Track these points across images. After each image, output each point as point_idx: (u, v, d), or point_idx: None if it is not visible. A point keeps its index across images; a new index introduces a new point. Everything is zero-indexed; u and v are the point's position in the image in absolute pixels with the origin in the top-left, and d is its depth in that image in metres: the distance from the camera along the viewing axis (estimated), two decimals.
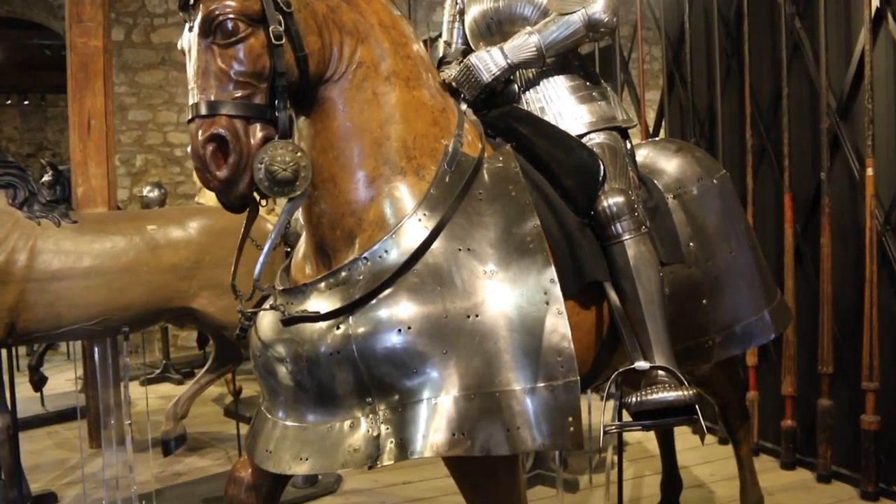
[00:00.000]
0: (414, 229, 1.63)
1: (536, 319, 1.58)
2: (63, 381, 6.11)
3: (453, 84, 2.03)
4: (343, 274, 1.63)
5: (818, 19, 3.61)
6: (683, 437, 4.50)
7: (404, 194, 1.68)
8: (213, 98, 1.53)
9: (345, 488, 3.97)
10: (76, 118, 4.51)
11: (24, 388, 5.41)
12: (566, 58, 2.16)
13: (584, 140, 2.07)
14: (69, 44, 4.47)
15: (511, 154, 1.83)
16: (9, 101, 13.25)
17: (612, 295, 1.89)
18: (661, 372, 1.86)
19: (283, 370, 1.67)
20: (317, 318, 1.61)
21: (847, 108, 3.57)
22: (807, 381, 3.86)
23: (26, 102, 13.33)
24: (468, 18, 2.24)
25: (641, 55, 4.92)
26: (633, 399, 1.82)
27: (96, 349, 3.86)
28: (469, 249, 1.63)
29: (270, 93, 1.57)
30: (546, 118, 2.09)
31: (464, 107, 1.99)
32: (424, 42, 2.08)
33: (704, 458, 4.15)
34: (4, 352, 3.63)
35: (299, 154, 1.55)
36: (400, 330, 1.54)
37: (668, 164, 2.41)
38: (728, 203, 2.44)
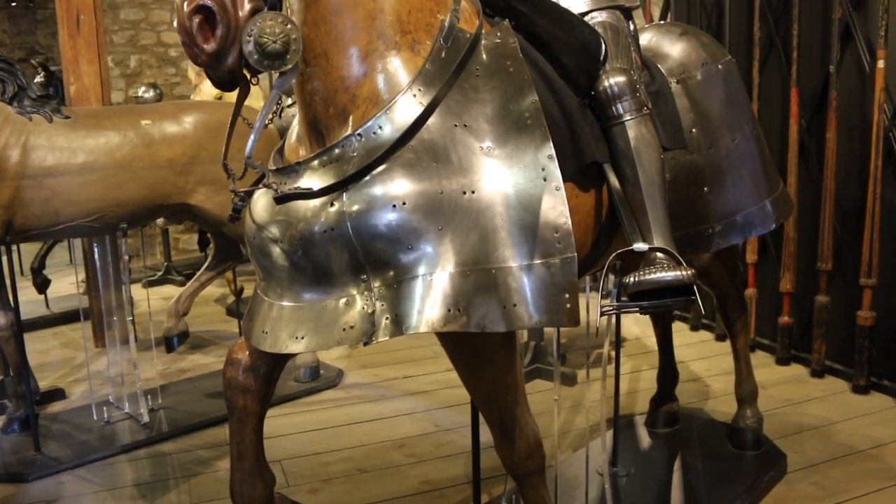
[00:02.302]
0: (409, 105, 1.58)
1: (534, 196, 1.55)
2: (67, 284, 6.15)
3: None
4: (336, 151, 1.59)
5: None
6: (681, 333, 4.58)
7: (399, 69, 1.62)
8: None
9: (346, 382, 4.05)
10: (64, 14, 4.37)
11: (28, 290, 5.47)
12: None
13: (585, 19, 2.00)
14: None
15: (509, 30, 1.77)
16: None
17: (612, 177, 1.86)
18: (659, 254, 1.85)
19: (277, 250, 1.65)
20: (310, 195, 1.59)
21: None
22: (805, 278, 3.88)
23: (13, 4, 12.93)
24: None
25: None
26: (631, 279, 1.81)
27: (96, 250, 3.87)
28: (465, 125, 1.59)
29: None
30: None
31: None
32: None
33: (701, 353, 4.22)
34: (4, 250, 3.63)
35: (290, 26, 1.48)
36: (395, 206, 1.52)
37: (672, 47, 2.34)
38: (732, 90, 2.38)
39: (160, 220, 6.27)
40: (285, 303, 1.67)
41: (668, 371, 3.11)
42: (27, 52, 11.29)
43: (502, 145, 1.57)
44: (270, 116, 1.69)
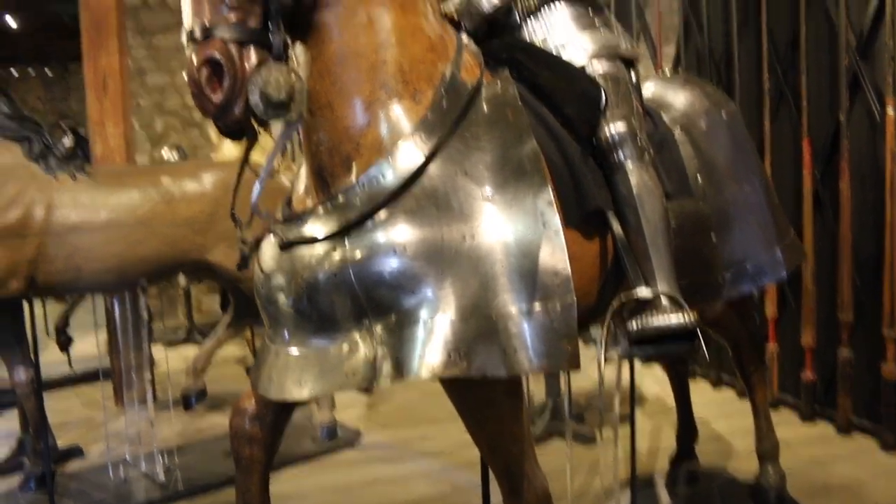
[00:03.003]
0: (411, 152, 1.62)
1: (533, 241, 1.57)
2: (90, 344, 6.20)
3: (455, 16, 2.00)
4: (340, 199, 1.63)
5: None
6: (702, 390, 4.50)
7: (401, 118, 1.67)
8: (207, 22, 1.52)
9: (364, 442, 4.02)
10: (91, 77, 4.54)
11: (52, 350, 5.54)
12: None
13: (586, 69, 2.04)
14: (82, 2, 4.48)
15: (509, 80, 1.81)
16: (31, 72, 13.39)
17: (615, 224, 1.87)
18: (664, 299, 1.84)
19: (283, 298, 1.68)
20: (313, 241, 1.63)
21: (867, 46, 3.49)
22: (826, 330, 3.81)
23: (49, 72, 13.44)
24: None
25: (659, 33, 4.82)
26: (635, 325, 1.81)
27: (117, 309, 3.93)
28: (466, 173, 1.62)
29: (264, 16, 1.56)
30: (548, 48, 2.06)
31: (465, 38, 1.97)
32: None
33: (723, 411, 4.14)
34: (27, 307, 3.69)
35: (294, 77, 1.53)
36: (396, 252, 1.54)
37: (675, 97, 2.37)
38: (738, 138, 2.40)
39: (182, 281, 6.36)
40: (291, 350, 1.69)
41: (686, 427, 3.06)
42: (59, 118, 11.66)
43: (502, 192, 1.60)
44: (276, 165, 1.73)
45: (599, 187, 1.89)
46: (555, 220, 1.59)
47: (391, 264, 1.54)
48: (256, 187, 1.62)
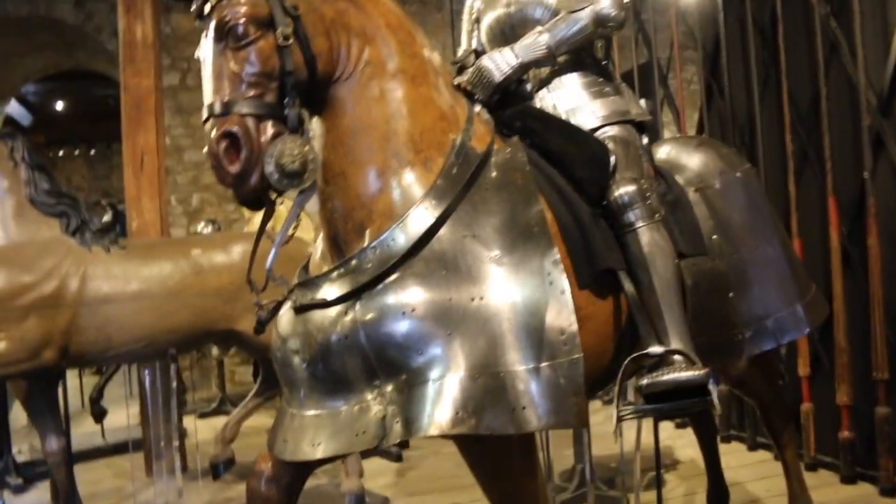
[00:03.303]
0: (421, 217, 1.68)
1: (540, 301, 1.60)
2: (124, 415, 6.28)
3: (468, 87, 2.07)
4: (353, 263, 1.68)
5: (853, 17, 3.55)
6: (738, 453, 4.39)
7: (412, 185, 1.73)
8: (226, 98, 1.62)
9: None
10: (129, 155, 4.71)
11: (87, 421, 5.60)
12: (579, 55, 2.19)
13: (597, 133, 2.09)
14: (122, 84, 4.70)
15: (518, 145, 1.87)
16: (77, 151, 13.97)
17: (627, 283, 1.89)
18: (676, 356, 1.84)
19: (298, 361, 1.72)
20: (325, 304, 1.68)
21: (888, 104, 3.50)
22: (862, 388, 3.72)
23: (92, 152, 14.01)
24: (484, 26, 2.30)
25: (679, 66, 4.90)
26: (646, 380, 1.80)
27: (148, 379, 3.98)
28: (475, 236, 1.67)
29: (280, 92, 1.66)
30: (559, 114, 2.12)
31: (477, 108, 2.03)
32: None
33: (759, 474, 4.02)
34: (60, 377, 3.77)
35: (307, 148, 1.62)
36: (405, 313, 1.58)
37: (689, 159, 2.40)
38: (753, 196, 2.42)
39: (215, 352, 6.43)
40: (306, 412, 1.72)
41: (717, 490, 2.98)
42: (102, 195, 12.06)
43: (510, 253, 1.64)
44: (291, 232, 1.80)
45: (611, 248, 1.91)
46: (562, 279, 1.62)
47: (401, 325, 1.58)
48: (272, 252, 1.69)
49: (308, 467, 1.85)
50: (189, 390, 7.01)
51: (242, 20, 1.63)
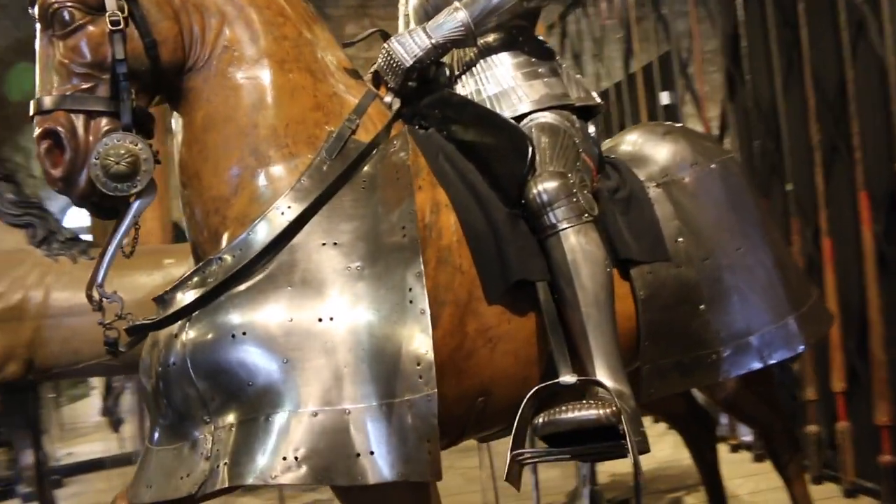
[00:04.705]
0: (272, 224, 1.46)
1: (397, 321, 1.37)
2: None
3: (381, 73, 1.83)
4: (196, 278, 1.49)
5: None
6: (769, 474, 3.97)
7: (270, 186, 1.51)
8: (52, 93, 1.46)
9: None
10: None
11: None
12: (510, 33, 1.91)
13: (525, 121, 1.82)
14: None
15: (406, 136, 1.64)
16: None
17: (544, 296, 1.61)
18: (599, 389, 1.55)
19: (148, 387, 1.52)
20: (152, 325, 1.49)
21: None
22: None
23: None
24: (410, 7, 2.04)
25: (698, 54, 4.54)
26: (542, 419, 1.51)
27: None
28: (336, 244, 1.44)
29: (113, 84, 1.47)
30: (482, 100, 1.85)
31: (388, 97, 1.78)
32: None
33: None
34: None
35: (139, 146, 1.44)
36: (234, 336, 1.37)
37: (655, 149, 2.08)
38: (733, 191, 2.08)
39: None
40: (154, 446, 1.51)
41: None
42: None
43: (372, 264, 1.41)
44: (128, 244, 1.59)
45: (531, 255, 1.64)
46: (423, 297, 1.37)
47: (230, 351, 1.37)
48: (103, 266, 1.49)
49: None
50: None
51: (69, 4, 1.46)
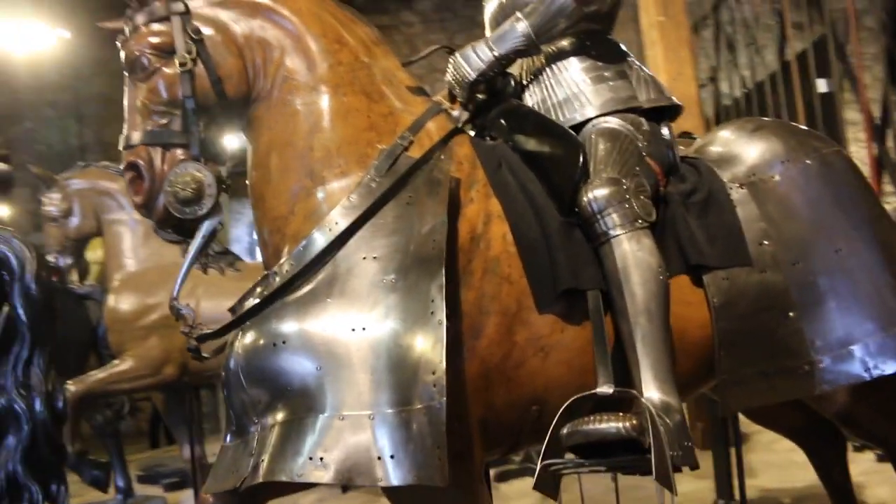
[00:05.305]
0: (320, 239, 1.55)
1: (419, 332, 1.41)
2: None
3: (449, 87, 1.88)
4: (257, 290, 1.61)
5: None
6: None
7: (322, 205, 1.61)
8: (135, 130, 1.65)
9: None
10: None
11: None
12: (579, 38, 1.89)
13: (588, 126, 1.79)
14: None
15: (451, 150, 1.67)
16: None
17: (591, 305, 1.58)
18: (654, 400, 1.49)
19: (224, 387, 1.66)
20: (213, 333, 1.65)
21: None
22: None
23: None
24: (487, 19, 2.06)
25: (856, 35, 4.18)
26: (566, 429, 1.48)
27: None
28: (375, 257, 1.50)
29: (184, 119, 1.64)
30: (548, 108, 1.84)
31: (457, 112, 1.83)
32: None
33: None
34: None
35: (202, 173, 1.60)
36: (275, 344, 1.47)
37: (743, 148, 1.95)
38: (835, 187, 1.90)
39: None
40: (227, 443, 1.66)
41: None
42: None
43: (405, 276, 1.47)
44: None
45: (584, 263, 1.62)
46: (441, 307, 1.41)
47: (271, 358, 1.47)
48: (178, 280, 1.66)
49: (255, 498, 1.75)
50: None
51: (146, 51, 1.64)
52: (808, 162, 1.92)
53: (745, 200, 1.86)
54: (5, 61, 7.08)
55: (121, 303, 3.58)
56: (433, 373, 1.36)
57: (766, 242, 1.82)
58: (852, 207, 1.92)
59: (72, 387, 3.38)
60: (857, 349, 1.82)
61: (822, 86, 4.66)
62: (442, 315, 1.39)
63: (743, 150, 1.96)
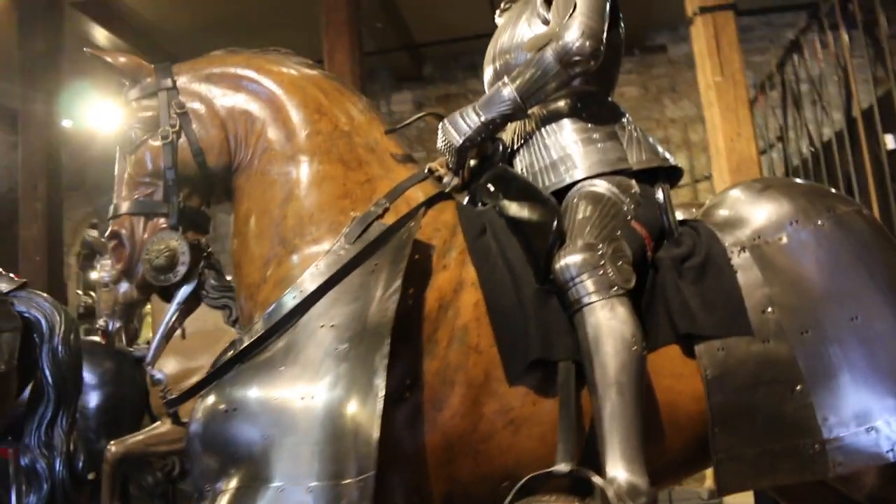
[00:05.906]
0: (283, 308, 1.56)
1: (360, 403, 1.38)
2: None
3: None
4: (229, 353, 1.61)
5: None
6: None
7: (293, 272, 1.61)
8: (123, 200, 1.71)
9: None
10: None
11: None
12: (572, 100, 1.85)
13: (573, 189, 1.74)
14: None
15: (420, 218, 1.65)
16: None
17: (560, 377, 1.50)
18: (621, 483, 1.39)
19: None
20: (178, 398, 1.67)
21: None
22: None
23: None
24: (485, 80, 2.06)
25: None
26: None
27: None
28: (333, 325, 1.50)
29: (166, 189, 1.69)
30: (535, 172, 1.81)
31: (448, 178, 1.83)
32: None
33: None
34: None
35: (175, 242, 1.64)
36: (226, 411, 1.46)
37: (749, 209, 1.84)
38: (853, 249, 1.76)
39: None
40: None
41: None
42: None
43: (357, 345, 1.46)
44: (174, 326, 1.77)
45: (557, 333, 1.56)
46: (382, 378, 1.38)
47: (220, 424, 1.46)
48: (153, 345, 1.70)
49: None
50: None
51: (134, 125, 1.72)
52: (819, 223, 1.80)
53: (747, 265, 1.75)
54: (96, 137, 7.55)
55: (163, 367, 3.66)
56: (367, 445, 1.33)
57: (770, 310, 1.70)
58: (873, 271, 1.78)
59: (112, 448, 3.45)
60: (878, 427, 1.66)
61: (890, 142, 4.44)
62: (381, 389, 1.36)
63: (749, 211, 1.86)
